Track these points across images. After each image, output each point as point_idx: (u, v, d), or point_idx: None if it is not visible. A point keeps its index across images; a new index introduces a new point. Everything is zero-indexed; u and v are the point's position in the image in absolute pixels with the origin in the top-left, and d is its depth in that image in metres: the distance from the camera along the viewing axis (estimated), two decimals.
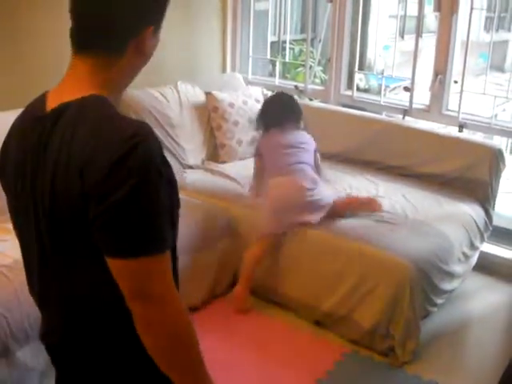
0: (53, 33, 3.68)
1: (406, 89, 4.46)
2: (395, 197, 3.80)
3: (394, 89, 6.96)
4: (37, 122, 1.45)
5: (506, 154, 5.08)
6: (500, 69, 11.40)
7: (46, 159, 1.39)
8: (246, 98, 4.51)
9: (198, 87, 4.51)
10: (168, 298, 1.34)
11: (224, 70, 5.17)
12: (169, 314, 1.35)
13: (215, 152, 4.42)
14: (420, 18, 4.34)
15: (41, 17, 3.72)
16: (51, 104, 1.44)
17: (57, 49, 3.57)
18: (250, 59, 5.21)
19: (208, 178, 4.08)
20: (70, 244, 1.40)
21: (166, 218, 1.33)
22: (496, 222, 4.06)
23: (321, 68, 6.73)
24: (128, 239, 1.29)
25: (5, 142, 1.57)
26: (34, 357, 2.65)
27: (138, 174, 1.28)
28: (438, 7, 4.15)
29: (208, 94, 4.44)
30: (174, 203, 1.40)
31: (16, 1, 3.63)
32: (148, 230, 1.30)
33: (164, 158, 1.36)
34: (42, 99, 1.50)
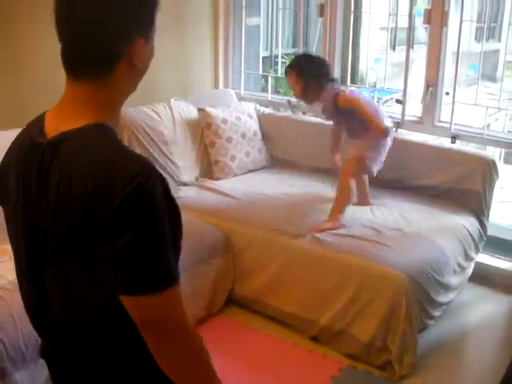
0: (52, 52, 3.70)
1: (398, 101, 4.48)
2: (389, 209, 3.82)
3: (387, 101, 6.99)
4: (36, 149, 1.44)
5: (500, 164, 5.09)
6: (491, 78, 11.45)
7: (47, 191, 1.39)
8: (238, 113, 4.53)
9: (190, 104, 4.53)
10: (180, 328, 1.37)
11: (217, 85, 5.18)
12: (181, 342, 1.37)
13: (209, 169, 4.43)
14: (410, 30, 4.37)
15: (39, 38, 3.74)
16: (50, 130, 1.44)
17: (55, 69, 3.61)
18: (243, 75, 5.22)
19: (202, 195, 4.08)
20: (73, 265, 1.40)
21: (171, 251, 1.34)
22: (490, 231, 4.06)
23: None
24: (138, 278, 1.30)
25: (3, 162, 1.56)
26: (31, 379, 2.64)
27: (144, 214, 1.29)
28: (428, 20, 4.17)
29: (201, 110, 4.46)
30: (178, 235, 1.39)
31: (15, 27, 3.65)
32: (157, 267, 1.31)
33: (167, 190, 1.36)
34: (40, 122, 1.49)
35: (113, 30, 1.40)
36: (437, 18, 4.12)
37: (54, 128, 1.43)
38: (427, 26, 4.23)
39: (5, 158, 1.57)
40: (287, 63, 4.11)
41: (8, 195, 1.53)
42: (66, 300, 1.46)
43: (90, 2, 1.39)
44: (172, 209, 1.37)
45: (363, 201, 3.97)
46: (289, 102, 4.83)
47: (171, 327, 1.35)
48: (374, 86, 5.76)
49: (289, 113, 4.91)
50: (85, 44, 1.40)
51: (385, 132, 3.65)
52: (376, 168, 3.79)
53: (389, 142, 3.80)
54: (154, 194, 1.32)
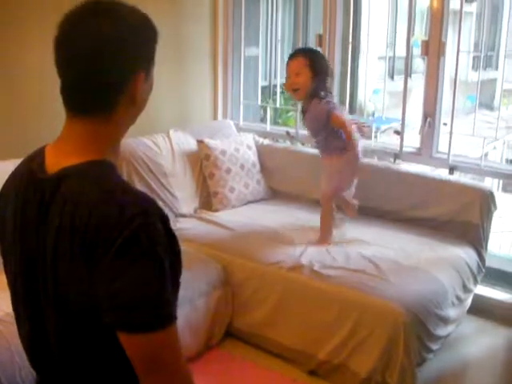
0: (53, 76, 3.71)
1: (397, 132, 4.50)
2: (387, 241, 3.81)
3: (385, 130, 7.02)
4: (36, 185, 1.44)
5: (498, 193, 5.08)
6: (489, 106, 11.52)
7: (47, 228, 1.39)
8: (237, 145, 4.54)
9: (189, 135, 4.54)
10: (177, 367, 1.37)
11: (215, 116, 5.21)
12: (177, 379, 1.37)
13: (208, 200, 4.43)
14: (408, 61, 4.39)
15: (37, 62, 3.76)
16: (51, 165, 1.44)
17: (55, 95, 3.63)
18: (241, 105, 5.25)
19: (201, 227, 4.08)
20: (71, 311, 1.40)
21: (171, 289, 1.35)
22: (489, 262, 4.05)
23: None
24: (137, 316, 1.30)
25: (2, 194, 1.56)
26: None
27: (144, 255, 1.30)
28: (426, 51, 4.20)
29: (200, 141, 4.47)
30: (178, 272, 1.40)
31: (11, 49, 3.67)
32: (156, 306, 1.31)
33: (168, 227, 1.36)
34: (41, 155, 1.49)
35: (113, 67, 1.40)
36: (434, 49, 4.16)
37: (54, 163, 1.43)
38: (425, 56, 4.26)
39: (3, 190, 1.57)
40: (293, 51, 3.96)
41: (4, 228, 1.53)
42: (62, 336, 1.45)
43: (91, 38, 1.39)
44: (172, 246, 1.37)
45: (350, 213, 4.09)
46: (287, 133, 4.85)
47: (167, 365, 1.35)
48: (373, 115, 5.78)
49: (287, 144, 4.93)
50: (85, 81, 1.41)
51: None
52: (352, 182, 3.91)
53: (360, 154, 3.83)
54: (154, 234, 1.32)
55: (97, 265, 1.30)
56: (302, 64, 3.70)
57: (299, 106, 4.06)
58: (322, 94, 3.73)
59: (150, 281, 1.30)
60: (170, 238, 1.37)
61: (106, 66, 1.40)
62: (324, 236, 3.84)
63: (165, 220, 1.37)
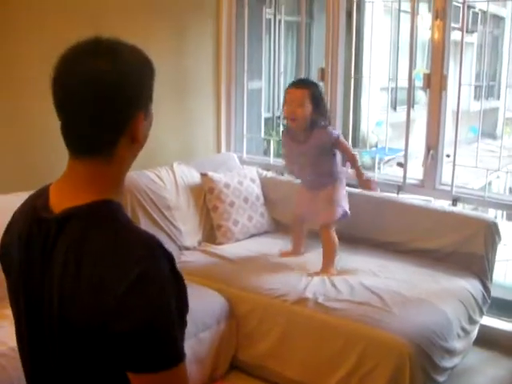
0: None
1: (400, 164, 4.52)
2: (391, 273, 3.81)
3: (388, 161, 7.05)
4: (41, 225, 1.44)
5: (502, 221, 5.08)
6: (492, 135, 11.54)
7: (52, 269, 1.39)
8: (241, 178, 4.56)
9: (193, 168, 4.56)
10: None
11: (219, 149, 5.23)
12: None
13: (212, 233, 4.43)
14: (410, 94, 4.43)
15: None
16: (55, 205, 1.44)
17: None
18: (245, 138, 5.28)
19: (205, 260, 4.08)
20: (77, 350, 1.40)
21: (178, 329, 1.36)
22: (495, 293, 4.03)
23: None
24: (146, 357, 1.31)
25: (7, 232, 1.57)
26: None
27: (151, 297, 1.31)
28: (428, 84, 4.24)
29: (203, 175, 4.48)
30: (184, 310, 1.40)
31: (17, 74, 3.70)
32: (165, 347, 1.33)
33: (174, 267, 1.37)
34: (45, 195, 1.49)
35: (112, 110, 1.39)
36: (436, 82, 4.19)
37: (58, 203, 1.43)
38: (427, 90, 4.29)
39: (8, 228, 1.57)
40: (296, 81, 4.09)
41: (10, 266, 1.54)
42: (66, 375, 1.45)
43: (89, 80, 1.37)
44: (178, 285, 1.38)
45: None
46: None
47: None
48: (376, 146, 5.81)
49: (291, 177, 4.94)
50: (83, 124, 1.40)
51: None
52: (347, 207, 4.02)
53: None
54: (160, 276, 1.33)
55: (105, 304, 1.30)
56: (304, 96, 3.80)
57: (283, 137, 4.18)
58: (322, 123, 3.88)
59: (157, 322, 1.31)
60: (176, 279, 1.37)
61: (104, 109, 1.39)
62: (327, 265, 3.87)
63: (171, 260, 1.37)
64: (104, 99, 1.38)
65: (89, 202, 1.40)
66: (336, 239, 3.94)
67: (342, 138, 3.96)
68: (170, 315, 1.33)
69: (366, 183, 4.04)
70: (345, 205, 4.00)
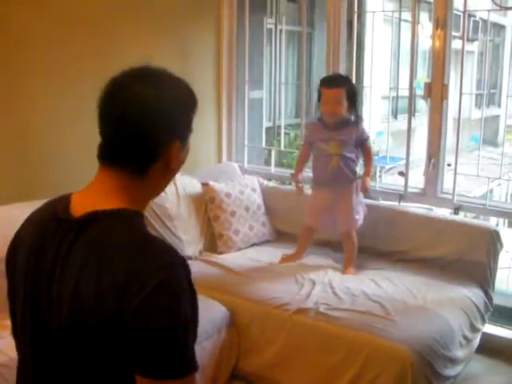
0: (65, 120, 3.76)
1: (401, 173, 4.52)
2: (392, 282, 3.80)
3: (389, 170, 7.04)
4: (59, 225, 1.46)
5: (504, 228, 5.07)
6: (493, 143, 11.55)
7: (67, 269, 1.41)
8: (242, 187, 4.56)
9: (194, 178, 4.57)
10: None
11: (220, 159, 5.24)
12: None
13: (213, 242, 4.44)
14: (411, 103, 4.43)
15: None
16: (76, 209, 1.46)
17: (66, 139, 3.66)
18: (246, 148, 5.28)
19: (206, 270, 4.08)
20: (82, 357, 1.41)
21: (193, 338, 1.39)
22: (497, 300, 4.03)
23: None
24: (163, 364, 1.34)
25: (18, 235, 1.59)
26: None
27: (169, 306, 1.33)
28: (429, 94, 4.24)
29: (204, 184, 4.49)
30: (197, 323, 1.42)
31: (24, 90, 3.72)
32: (181, 355, 1.35)
33: (190, 278, 1.40)
34: (65, 200, 1.51)
35: (150, 135, 1.45)
36: (437, 91, 4.20)
37: (80, 209, 1.46)
38: (428, 98, 4.30)
39: (18, 232, 1.59)
40: (330, 78, 4.15)
41: (14, 273, 1.55)
42: (70, 377, 1.45)
43: (132, 104, 1.44)
44: (193, 297, 1.41)
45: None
46: (292, 175, 4.87)
47: None
48: (377, 155, 5.80)
49: (292, 186, 4.94)
50: (121, 143, 1.45)
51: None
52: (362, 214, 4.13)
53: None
54: (180, 285, 1.36)
55: (124, 310, 1.31)
56: (342, 94, 3.92)
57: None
58: (355, 119, 4.05)
59: (175, 329, 1.34)
60: (192, 291, 1.40)
61: (142, 133, 1.44)
62: (349, 266, 4.02)
63: (188, 272, 1.40)
64: (142, 125, 1.44)
65: (113, 207, 1.43)
66: (356, 242, 4.08)
67: (369, 144, 4.14)
68: (187, 324, 1.36)
69: (364, 185, 4.07)
70: (361, 210, 4.12)
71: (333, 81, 4.03)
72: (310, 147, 4.18)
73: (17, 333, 1.57)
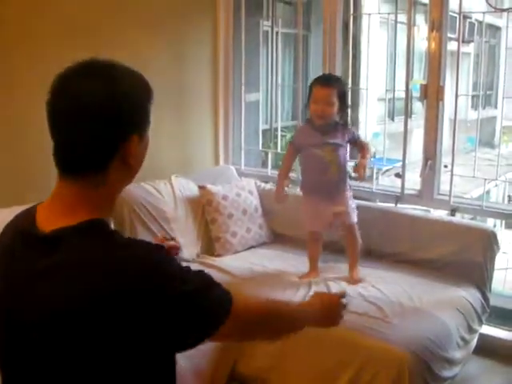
0: None
1: (398, 175, 4.53)
2: (389, 284, 3.81)
3: (386, 171, 7.06)
4: (29, 245, 1.42)
5: (501, 229, 5.07)
6: (489, 144, 11.57)
7: (42, 291, 1.37)
8: (239, 190, 4.57)
9: (191, 181, 4.57)
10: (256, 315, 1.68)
11: (217, 162, 5.24)
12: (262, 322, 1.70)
13: (210, 245, 4.44)
14: (407, 105, 4.44)
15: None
16: (43, 225, 1.43)
17: None
18: (243, 151, 5.29)
19: None
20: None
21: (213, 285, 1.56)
22: (493, 301, 4.04)
23: None
24: (210, 318, 1.48)
25: None
26: None
27: (158, 308, 1.36)
28: (425, 95, 4.25)
29: (201, 187, 4.50)
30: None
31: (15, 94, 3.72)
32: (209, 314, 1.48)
33: (178, 265, 1.46)
34: (31, 215, 1.48)
35: (103, 132, 1.40)
36: (433, 92, 4.21)
37: (47, 223, 1.42)
38: (424, 100, 4.31)
39: None
40: (323, 78, 4.00)
41: None
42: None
43: (81, 102, 1.39)
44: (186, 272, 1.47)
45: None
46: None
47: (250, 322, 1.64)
48: (373, 157, 5.80)
49: (289, 188, 4.94)
50: (74, 144, 1.40)
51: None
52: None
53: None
54: (168, 276, 1.40)
55: (112, 324, 1.32)
56: (333, 94, 3.78)
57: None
58: (344, 121, 3.94)
59: (191, 296, 1.42)
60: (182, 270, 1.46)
61: (95, 130, 1.39)
62: (354, 269, 3.95)
63: (174, 261, 1.47)
64: (95, 121, 1.39)
65: (79, 222, 1.40)
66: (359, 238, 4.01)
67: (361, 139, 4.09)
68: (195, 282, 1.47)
69: (359, 168, 3.91)
70: (355, 208, 4.03)
71: (326, 80, 3.92)
72: (296, 152, 4.03)
73: None
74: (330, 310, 1.96)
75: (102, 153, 1.42)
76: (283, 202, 4.13)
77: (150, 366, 1.40)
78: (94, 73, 1.44)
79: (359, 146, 4.00)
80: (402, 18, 4.95)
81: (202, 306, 1.43)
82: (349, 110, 4.05)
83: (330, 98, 3.78)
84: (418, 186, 4.47)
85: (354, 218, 3.97)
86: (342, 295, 2.03)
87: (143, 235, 4.00)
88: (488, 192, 4.51)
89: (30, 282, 1.39)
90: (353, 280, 3.87)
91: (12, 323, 1.43)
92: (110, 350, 1.33)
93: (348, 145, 3.97)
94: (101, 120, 1.39)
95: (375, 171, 4.78)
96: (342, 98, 3.84)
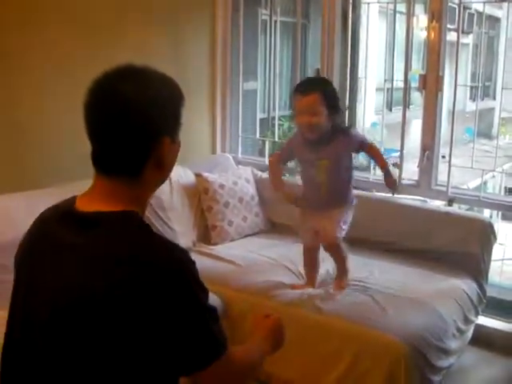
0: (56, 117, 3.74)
1: (395, 165, 4.52)
2: (386, 274, 3.81)
3: None
4: (65, 222, 1.49)
5: (498, 221, 5.07)
6: (487, 136, 11.56)
7: (72, 260, 1.42)
8: (236, 178, 4.56)
9: (188, 169, 4.55)
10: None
11: (214, 150, 5.23)
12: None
13: (206, 233, 4.43)
14: (406, 95, 4.42)
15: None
16: (82, 208, 1.49)
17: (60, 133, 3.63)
18: (240, 139, 5.28)
19: (199, 261, 3.94)
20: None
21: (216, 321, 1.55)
22: (490, 292, 4.05)
23: None
24: (201, 352, 1.49)
25: (25, 235, 1.61)
26: None
27: (179, 306, 1.42)
28: (423, 85, 4.24)
29: (198, 175, 4.49)
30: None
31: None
32: (210, 338, 1.50)
33: (196, 273, 1.52)
34: (72, 201, 1.54)
35: (138, 135, 1.46)
36: (432, 83, 4.20)
37: (85, 207, 1.48)
38: (423, 91, 4.29)
39: (26, 233, 1.61)
40: (303, 84, 3.52)
41: (20, 265, 1.58)
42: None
43: (117, 106, 1.45)
44: (205, 291, 1.55)
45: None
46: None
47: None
48: None
49: (286, 176, 4.93)
50: (112, 150, 1.47)
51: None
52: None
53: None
54: (190, 281, 1.47)
55: (134, 315, 1.36)
56: (318, 102, 3.29)
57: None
58: (344, 125, 3.64)
59: (196, 320, 1.47)
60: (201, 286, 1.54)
61: (130, 133, 1.45)
62: (344, 279, 3.66)
63: (195, 267, 1.53)
64: (130, 124, 1.45)
65: (116, 210, 1.47)
66: (346, 253, 3.67)
67: (369, 141, 3.63)
68: (204, 309, 1.55)
69: (390, 181, 3.59)
70: (348, 220, 3.62)
71: (304, 86, 3.41)
72: (283, 164, 3.78)
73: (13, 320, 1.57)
74: (280, 334, 2.01)
75: (135, 159, 1.49)
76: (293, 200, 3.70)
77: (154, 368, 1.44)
78: (128, 77, 1.50)
79: (371, 154, 3.64)
80: (402, 7, 4.92)
81: (209, 326, 1.50)
82: (344, 112, 3.91)
83: (314, 106, 3.28)
84: (415, 176, 4.46)
85: (337, 234, 3.54)
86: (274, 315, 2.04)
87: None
88: (485, 183, 4.52)
89: (56, 254, 1.45)
90: (336, 288, 3.65)
91: (31, 294, 1.49)
92: (121, 340, 1.37)
93: (354, 153, 3.64)
94: (133, 126, 1.46)
95: (372, 165, 4.77)
96: (330, 101, 3.33)
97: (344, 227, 3.57)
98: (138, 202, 1.53)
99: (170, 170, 1.60)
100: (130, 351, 1.38)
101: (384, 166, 3.56)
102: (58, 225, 1.50)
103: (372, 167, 4.73)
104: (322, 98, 3.29)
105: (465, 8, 5.06)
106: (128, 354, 1.38)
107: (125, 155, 1.47)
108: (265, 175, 4.86)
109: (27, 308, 1.50)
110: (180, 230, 4.26)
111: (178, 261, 1.44)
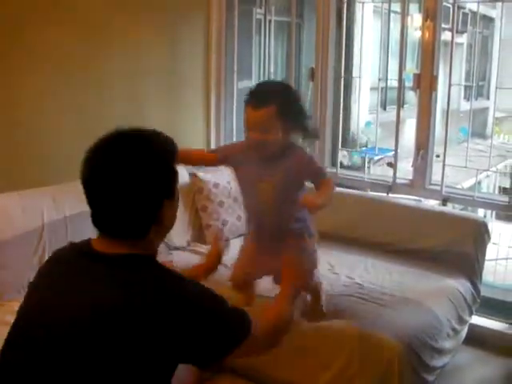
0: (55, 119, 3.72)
1: (390, 164, 4.52)
2: (380, 274, 3.81)
3: (379, 160, 7.05)
4: (82, 256, 1.55)
5: (492, 220, 5.08)
6: (481, 135, 11.58)
7: (90, 280, 1.49)
8: (230, 178, 4.53)
9: (182, 168, 4.53)
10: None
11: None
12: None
13: (201, 233, 4.43)
14: (400, 94, 4.42)
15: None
16: (97, 248, 1.56)
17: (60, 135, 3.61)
18: (235, 138, 5.26)
19: (194, 260, 4.02)
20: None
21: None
22: (484, 292, 4.05)
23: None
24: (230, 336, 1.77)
25: (41, 268, 1.65)
26: None
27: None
28: (418, 85, 4.24)
29: (192, 175, 4.48)
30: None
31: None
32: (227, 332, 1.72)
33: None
34: (87, 241, 1.60)
35: (144, 201, 1.53)
36: (426, 82, 4.20)
37: (101, 248, 1.55)
38: (417, 90, 4.29)
39: (48, 260, 1.67)
40: (254, 94, 2.74)
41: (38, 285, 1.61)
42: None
43: (121, 173, 1.50)
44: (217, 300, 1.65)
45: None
46: None
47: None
48: (365, 146, 5.80)
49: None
50: (116, 214, 1.53)
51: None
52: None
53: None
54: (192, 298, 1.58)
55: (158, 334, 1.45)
56: (272, 117, 2.68)
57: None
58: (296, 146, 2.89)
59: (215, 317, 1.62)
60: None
61: (135, 201, 1.53)
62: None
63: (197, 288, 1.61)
64: (135, 192, 1.52)
65: (131, 252, 1.55)
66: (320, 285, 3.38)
67: (327, 176, 2.97)
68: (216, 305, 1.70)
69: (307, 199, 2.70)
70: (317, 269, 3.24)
71: (257, 98, 2.70)
72: (219, 162, 3.18)
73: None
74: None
75: (141, 226, 1.57)
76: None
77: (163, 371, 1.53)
78: (120, 147, 1.55)
79: (319, 184, 2.89)
80: (396, 7, 4.93)
81: (227, 323, 1.68)
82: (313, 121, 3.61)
83: (266, 123, 2.67)
84: (409, 176, 4.46)
85: (302, 279, 3.06)
86: None
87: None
88: (479, 182, 4.53)
89: (72, 280, 1.51)
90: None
91: (46, 317, 1.51)
92: (140, 344, 1.43)
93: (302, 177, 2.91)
94: (138, 191, 1.52)
95: (367, 160, 4.77)
96: (288, 115, 2.71)
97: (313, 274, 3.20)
98: (147, 249, 1.61)
99: (173, 223, 1.72)
100: (142, 353, 1.44)
101: (321, 196, 2.80)
102: (76, 258, 1.56)
103: (366, 166, 4.73)
104: (277, 111, 2.67)
105: (459, 8, 5.06)
106: (141, 356, 1.44)
107: (130, 225, 1.54)
108: None
109: (37, 323, 1.52)
110: (174, 229, 4.22)
111: (183, 291, 1.57)
